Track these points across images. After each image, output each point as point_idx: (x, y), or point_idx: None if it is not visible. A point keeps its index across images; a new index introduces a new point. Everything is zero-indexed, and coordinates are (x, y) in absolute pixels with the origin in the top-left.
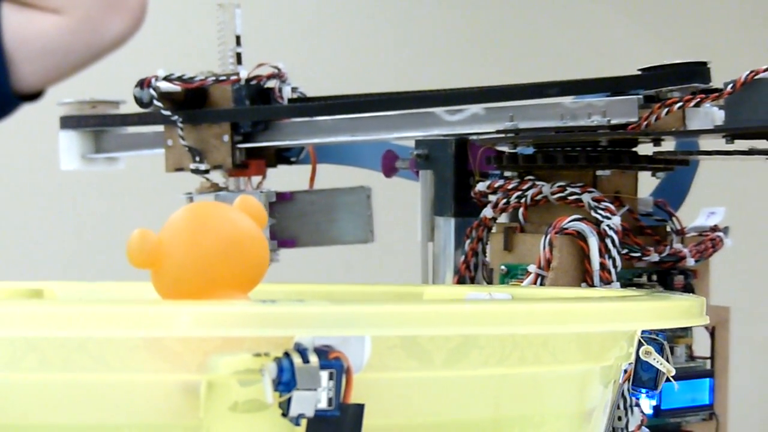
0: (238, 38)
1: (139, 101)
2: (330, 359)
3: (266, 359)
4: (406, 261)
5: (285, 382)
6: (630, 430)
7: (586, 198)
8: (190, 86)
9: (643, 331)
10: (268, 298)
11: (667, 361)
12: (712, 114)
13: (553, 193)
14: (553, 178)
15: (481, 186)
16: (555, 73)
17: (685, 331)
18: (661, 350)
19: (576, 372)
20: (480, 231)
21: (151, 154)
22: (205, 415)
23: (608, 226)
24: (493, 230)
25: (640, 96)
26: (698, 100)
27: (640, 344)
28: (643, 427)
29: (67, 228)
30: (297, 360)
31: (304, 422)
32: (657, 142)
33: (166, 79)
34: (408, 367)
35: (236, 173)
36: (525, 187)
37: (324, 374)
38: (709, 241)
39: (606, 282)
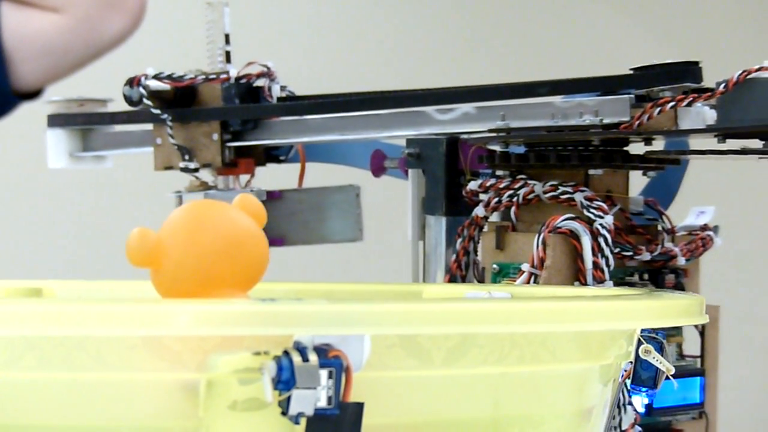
0: (227, 37)
1: (128, 100)
2: (329, 358)
3: (266, 358)
4: (397, 260)
5: (284, 381)
6: (623, 428)
7: (579, 197)
8: (180, 85)
9: (642, 330)
10: (268, 297)
11: (667, 359)
12: (704, 113)
13: (545, 192)
14: (544, 177)
15: (472, 185)
16: (549, 72)
17: (676, 330)
18: (660, 349)
19: (575, 371)
20: (471, 230)
21: (140, 153)
22: (204, 414)
23: (601, 225)
24: (485, 229)
25: (632, 95)
26: (690, 99)
27: (639, 343)
28: (636, 426)
29: (66, 227)
30: (296, 359)
31: (303, 421)
32: (648, 141)
33: (156, 77)
34: (407, 366)
35: (225, 172)
36: (517, 186)
37: (323, 373)
38: (700, 240)
39: (599, 281)
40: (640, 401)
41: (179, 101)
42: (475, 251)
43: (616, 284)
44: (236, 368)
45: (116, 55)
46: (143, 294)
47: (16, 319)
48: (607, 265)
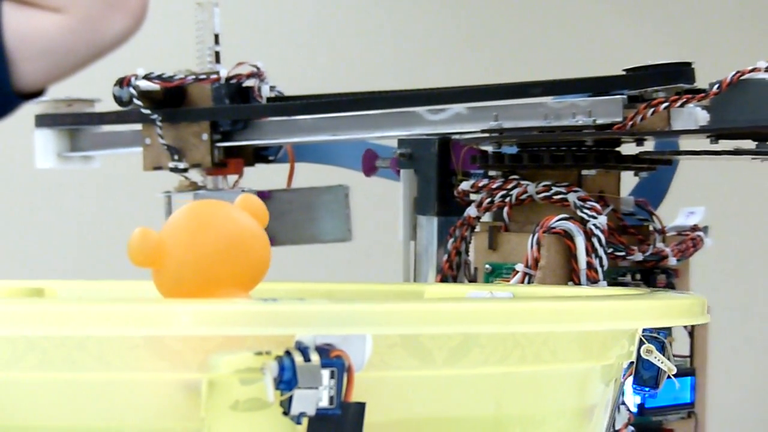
0: (216, 37)
1: (118, 100)
2: (331, 358)
3: (267, 358)
4: (387, 260)
5: (286, 381)
6: (617, 428)
7: (572, 197)
8: (170, 85)
9: (644, 330)
10: (270, 297)
11: (668, 359)
12: (696, 114)
13: (538, 193)
14: (537, 178)
15: (465, 185)
16: (544, 72)
17: (666, 330)
18: (662, 349)
19: (577, 370)
20: (463, 230)
21: (128, 153)
22: (206, 414)
23: (594, 225)
24: (477, 229)
25: (625, 96)
26: (684, 100)
27: (641, 343)
28: (629, 426)
29: (68, 227)
30: (298, 358)
31: (305, 421)
32: (640, 142)
33: (146, 77)
34: (409, 366)
35: (215, 172)
36: (510, 186)
37: (325, 373)
38: (690, 240)
39: (593, 281)
40: (632, 401)
41: (168, 101)
42: (467, 251)
43: (609, 284)
44: (238, 368)
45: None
46: (145, 294)
47: (17, 319)
48: (601, 265)
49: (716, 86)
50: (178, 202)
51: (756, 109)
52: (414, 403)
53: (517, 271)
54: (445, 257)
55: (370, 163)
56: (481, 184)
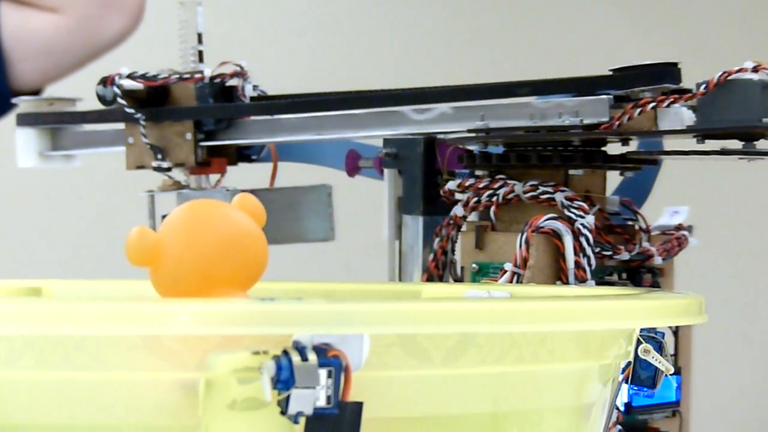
0: (199, 36)
1: (102, 99)
2: (329, 357)
3: (265, 357)
4: (371, 259)
5: (284, 380)
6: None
7: (559, 197)
8: (154, 84)
9: (641, 330)
10: (267, 296)
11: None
12: (682, 114)
13: (525, 192)
14: (523, 177)
15: (451, 184)
16: (534, 72)
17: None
18: (659, 348)
19: (575, 370)
20: (450, 229)
21: (110, 152)
22: (203, 414)
23: (582, 224)
24: (463, 229)
25: (611, 96)
26: (671, 100)
27: (638, 342)
28: (617, 425)
29: (65, 226)
30: (296, 358)
31: (302, 420)
32: (625, 141)
33: (130, 76)
34: (407, 366)
35: (198, 171)
36: (496, 185)
37: (323, 372)
38: (675, 239)
39: (581, 280)
40: (620, 400)
41: (152, 100)
42: (453, 251)
43: (597, 284)
44: (235, 368)
45: None
46: (142, 293)
47: (15, 318)
48: (589, 265)
49: (703, 86)
50: (170, 202)
51: (743, 109)
52: (411, 403)
53: (506, 271)
54: (432, 257)
55: (353, 162)
56: (467, 184)
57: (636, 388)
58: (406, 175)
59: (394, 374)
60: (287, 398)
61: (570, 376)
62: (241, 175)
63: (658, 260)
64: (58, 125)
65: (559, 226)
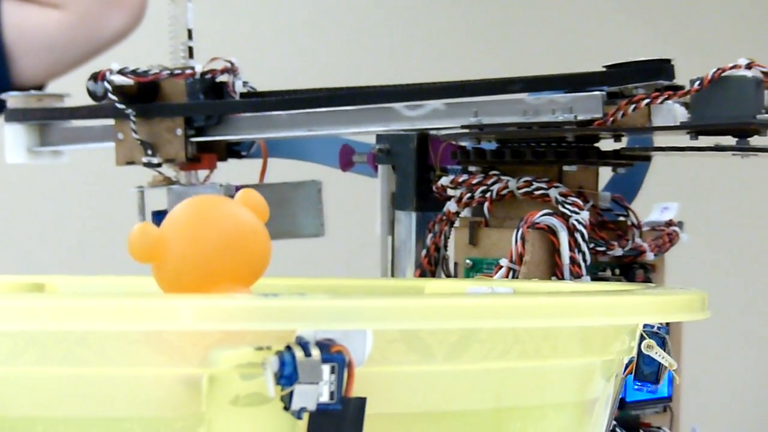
0: (189, 32)
1: (92, 94)
2: (332, 353)
3: (268, 353)
4: (364, 255)
5: (287, 376)
6: None
7: (554, 193)
8: (144, 80)
9: (644, 325)
10: (270, 292)
11: (669, 354)
12: (675, 111)
13: (519, 188)
14: (517, 173)
15: (444, 180)
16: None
17: None
18: (663, 344)
19: (577, 366)
20: (443, 225)
21: (99, 148)
22: (206, 409)
23: (577, 220)
24: (456, 224)
25: (604, 92)
26: (666, 96)
27: (641, 338)
28: (612, 421)
29: (68, 222)
30: (299, 354)
31: (306, 416)
32: (617, 138)
33: (120, 72)
34: (409, 361)
35: (188, 167)
36: (490, 182)
37: (326, 368)
38: (666, 235)
39: (576, 276)
40: None
41: (142, 96)
42: (446, 247)
43: (591, 280)
44: (238, 363)
45: None
46: (145, 289)
47: (18, 314)
48: (584, 261)
49: (697, 83)
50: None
51: (737, 105)
52: (414, 398)
53: (501, 266)
54: (424, 252)
55: (346, 158)
56: (460, 180)
57: (639, 384)
58: (399, 171)
59: (396, 370)
60: (290, 394)
61: (573, 371)
62: (231, 171)
63: (650, 256)
64: (46, 121)
65: (554, 221)
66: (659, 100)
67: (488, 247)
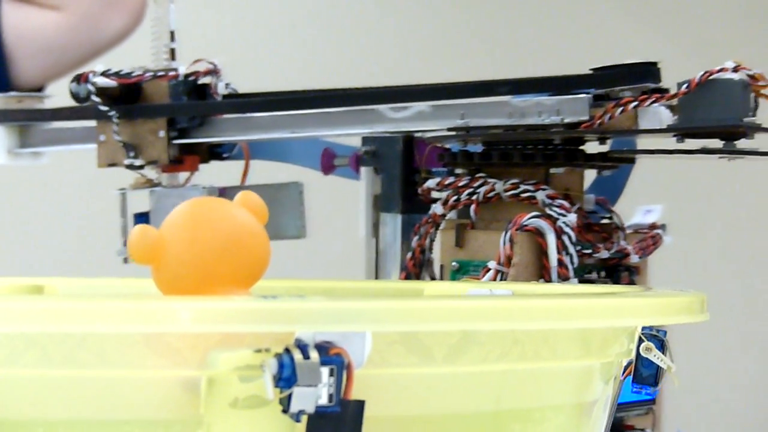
0: (172, 33)
1: (75, 96)
2: (331, 355)
3: (267, 355)
4: (346, 258)
5: (285, 378)
6: None
7: (541, 195)
8: (128, 81)
9: (643, 328)
10: (269, 294)
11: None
12: (660, 113)
13: (506, 191)
14: (503, 176)
15: (430, 183)
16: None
17: None
18: (661, 346)
19: (577, 368)
20: (429, 227)
21: (80, 150)
22: (205, 411)
23: (564, 223)
24: (442, 227)
25: (590, 95)
26: (653, 99)
27: (640, 341)
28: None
29: (68, 224)
30: (297, 356)
31: (304, 418)
32: (602, 140)
33: (104, 74)
34: (409, 363)
35: (171, 169)
36: (476, 184)
37: (324, 370)
38: (650, 238)
39: (564, 278)
40: None
41: (124, 98)
42: (431, 249)
43: (578, 282)
44: (237, 365)
45: None
46: (145, 291)
47: (17, 316)
48: (572, 263)
49: (685, 86)
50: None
51: (724, 108)
52: (413, 401)
53: (489, 269)
54: (410, 255)
55: (328, 162)
56: (447, 182)
57: (638, 386)
58: (385, 174)
59: (396, 372)
60: (289, 396)
61: (572, 374)
62: (213, 172)
63: (634, 258)
64: (27, 122)
65: (542, 224)
66: (647, 103)
67: (475, 250)
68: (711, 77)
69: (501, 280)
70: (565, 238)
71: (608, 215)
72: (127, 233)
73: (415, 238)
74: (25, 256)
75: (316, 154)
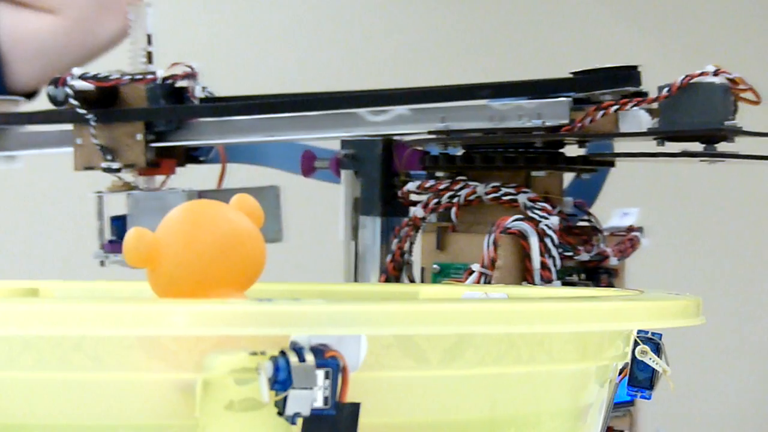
0: (149, 37)
1: (53, 99)
2: (326, 358)
3: (262, 358)
4: (324, 261)
5: (281, 381)
6: None
7: (522, 198)
8: (106, 85)
9: (638, 331)
10: (265, 297)
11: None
12: (640, 117)
13: (487, 194)
14: (483, 179)
15: (411, 186)
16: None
17: None
18: (657, 350)
19: (572, 371)
20: (409, 230)
21: (55, 153)
22: (201, 414)
23: (547, 225)
24: (424, 230)
25: (571, 99)
26: (634, 103)
27: (635, 344)
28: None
29: (63, 227)
30: (293, 359)
31: (300, 421)
32: (582, 143)
33: (81, 77)
34: (404, 366)
35: (148, 172)
36: (457, 187)
37: (320, 373)
38: (628, 240)
39: (547, 280)
40: None
41: (101, 101)
42: (410, 251)
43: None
44: (233, 368)
45: None
46: (140, 294)
47: (12, 319)
48: (554, 265)
49: (666, 89)
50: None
51: (705, 112)
52: (408, 404)
53: (473, 271)
54: (390, 257)
55: (308, 164)
56: (427, 185)
57: (634, 389)
58: (365, 177)
59: (391, 375)
60: (284, 399)
61: (567, 377)
62: (190, 176)
63: (613, 261)
64: (1, 126)
65: (525, 227)
66: (629, 106)
67: (456, 252)
68: (692, 81)
69: (485, 282)
70: (547, 241)
71: (586, 218)
72: (104, 236)
73: (395, 241)
74: (20, 259)
75: (296, 157)
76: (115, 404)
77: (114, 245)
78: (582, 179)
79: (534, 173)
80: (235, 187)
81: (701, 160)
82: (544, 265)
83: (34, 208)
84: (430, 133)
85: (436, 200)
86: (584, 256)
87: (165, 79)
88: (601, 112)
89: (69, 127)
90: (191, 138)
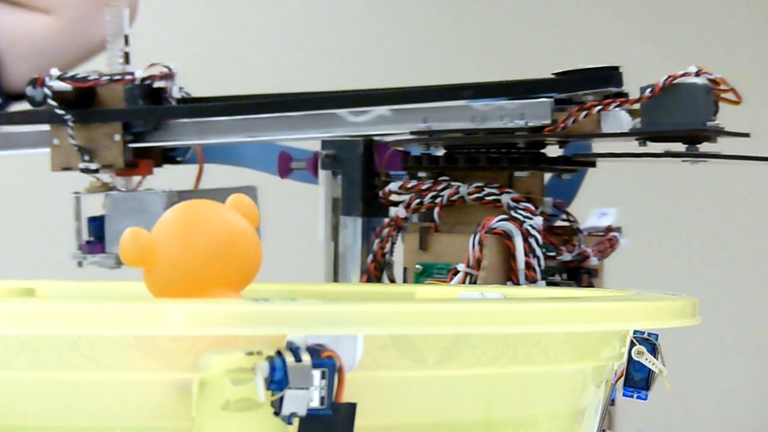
0: (126, 38)
1: (31, 100)
2: (322, 358)
3: (259, 358)
4: (303, 262)
5: (277, 381)
6: None
7: (505, 198)
8: (84, 85)
9: (635, 331)
10: (261, 297)
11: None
12: (621, 118)
13: (470, 194)
14: (465, 179)
15: (392, 186)
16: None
17: None
18: (653, 350)
19: (569, 372)
20: (391, 230)
21: (32, 154)
22: (197, 414)
23: (531, 225)
24: (406, 230)
25: (553, 99)
26: (617, 103)
27: (632, 344)
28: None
29: (59, 227)
30: (289, 359)
31: (296, 421)
32: (562, 144)
33: (59, 78)
34: (400, 366)
35: (125, 173)
36: (440, 187)
37: (316, 373)
38: (608, 241)
39: (531, 280)
40: None
41: (79, 102)
42: (392, 252)
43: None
44: (229, 368)
45: None
46: (136, 294)
47: (8, 318)
48: (539, 265)
49: (649, 90)
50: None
51: (688, 112)
52: (405, 404)
53: (458, 271)
54: (371, 258)
55: (285, 165)
56: (409, 185)
57: (630, 390)
58: (346, 177)
59: (388, 375)
60: (281, 399)
61: (564, 377)
62: (168, 176)
63: (594, 261)
64: None
65: (510, 227)
66: (611, 107)
67: (439, 252)
68: (675, 81)
69: (470, 283)
70: (532, 241)
71: (565, 218)
72: (81, 237)
73: (377, 241)
74: (15, 259)
75: (272, 157)
76: (111, 404)
77: (92, 246)
78: (561, 179)
79: (517, 173)
80: (213, 188)
81: (683, 161)
82: (528, 265)
83: (28, 208)
84: (412, 133)
85: (418, 200)
86: (566, 257)
87: (143, 79)
88: (584, 113)
89: (46, 127)
90: (169, 138)
